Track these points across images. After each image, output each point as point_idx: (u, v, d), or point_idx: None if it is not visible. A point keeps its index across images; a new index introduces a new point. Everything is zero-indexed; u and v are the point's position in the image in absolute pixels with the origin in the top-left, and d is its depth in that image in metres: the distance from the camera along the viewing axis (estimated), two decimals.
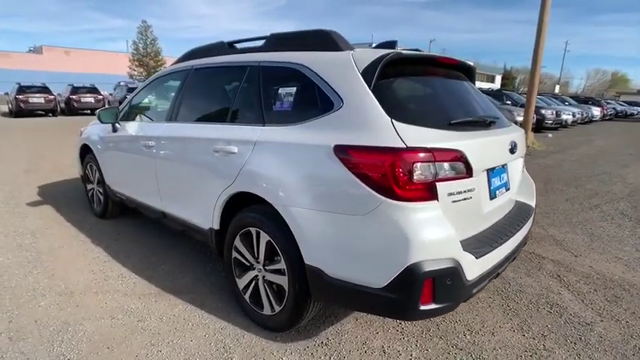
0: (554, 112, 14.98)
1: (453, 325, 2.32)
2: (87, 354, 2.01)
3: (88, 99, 18.64)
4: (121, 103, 19.15)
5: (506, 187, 2.23)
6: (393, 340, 2.18)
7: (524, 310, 2.52)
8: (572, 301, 2.65)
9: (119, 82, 34.48)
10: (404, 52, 1.96)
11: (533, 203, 2.55)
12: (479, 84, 61.57)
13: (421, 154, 1.61)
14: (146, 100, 3.40)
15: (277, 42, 2.32)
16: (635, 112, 32.69)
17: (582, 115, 18.76)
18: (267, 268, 2.13)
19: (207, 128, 2.45)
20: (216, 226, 2.40)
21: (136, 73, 36.08)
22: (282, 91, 2.11)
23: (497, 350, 2.11)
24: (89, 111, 19.47)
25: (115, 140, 3.46)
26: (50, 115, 17.99)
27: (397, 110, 1.74)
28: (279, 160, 1.95)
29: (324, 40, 2.07)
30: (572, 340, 2.22)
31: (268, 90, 2.19)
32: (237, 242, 2.28)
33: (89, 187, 4.20)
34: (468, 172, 1.76)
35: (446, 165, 1.67)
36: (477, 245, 1.81)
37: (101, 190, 3.94)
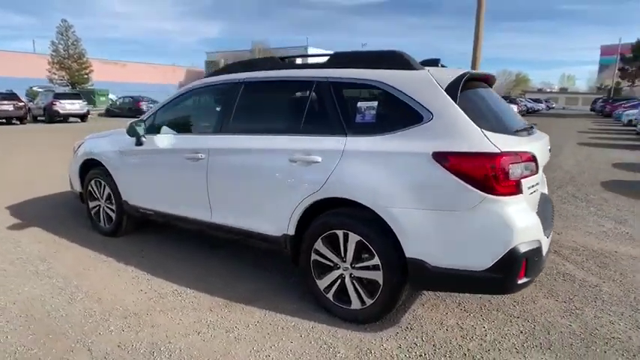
0: None
1: (501, 299, 2.72)
2: None
3: (6, 107, 16.53)
4: (46, 109, 17.41)
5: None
6: (463, 317, 2.51)
7: (546, 281, 3.02)
8: (576, 270, 3.22)
9: (31, 87, 30.79)
10: (473, 71, 2.30)
11: (546, 191, 3.06)
12: None
13: (513, 157, 1.95)
14: (179, 113, 3.35)
15: (343, 60, 2.52)
16: (540, 108, 37.65)
17: None
18: (355, 266, 2.34)
19: (278, 139, 2.57)
20: (292, 232, 2.53)
21: (56, 76, 32.64)
22: (362, 104, 2.32)
23: (545, 314, 2.55)
24: (5, 120, 17.32)
25: (141, 154, 3.34)
26: None
27: (479, 120, 2.07)
28: (374, 166, 2.17)
29: (398, 60, 2.32)
30: (591, 299, 2.74)
31: (345, 103, 2.39)
32: (319, 245, 2.44)
33: (93, 204, 3.95)
34: (537, 170, 2.14)
35: (527, 165, 2.04)
36: (542, 228, 2.21)
37: (112, 207, 3.75)
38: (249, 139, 2.73)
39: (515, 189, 1.97)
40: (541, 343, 2.24)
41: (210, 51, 60.10)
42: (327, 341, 2.26)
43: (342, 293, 2.43)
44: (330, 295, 2.47)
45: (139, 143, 3.32)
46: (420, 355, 2.14)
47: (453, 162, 1.98)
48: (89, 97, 29.84)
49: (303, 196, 2.41)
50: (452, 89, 2.11)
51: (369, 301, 2.32)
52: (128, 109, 23.99)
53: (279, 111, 2.82)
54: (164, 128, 3.32)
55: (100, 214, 3.92)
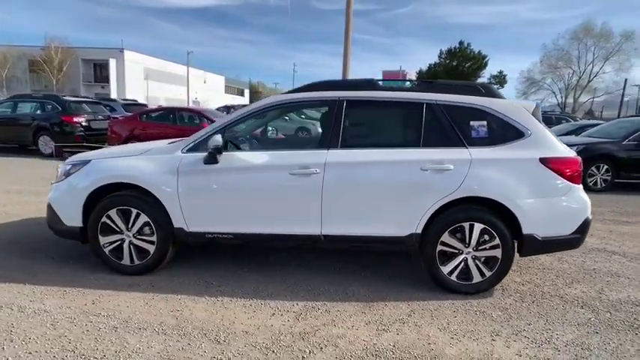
0: None
1: (521, 260, 3.85)
2: None
3: None
4: None
5: None
6: (520, 275, 3.49)
7: None
8: None
9: None
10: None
11: None
12: (231, 98, 65.70)
13: (580, 159, 3.04)
14: (260, 129, 3.19)
15: (442, 87, 3.15)
16: None
17: None
18: (478, 248, 3.00)
19: (405, 152, 2.98)
20: (420, 230, 2.99)
21: None
22: (474, 123, 3.02)
23: (553, 264, 3.80)
24: None
25: (217, 173, 3.03)
26: None
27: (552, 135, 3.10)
28: (498, 169, 2.91)
29: (489, 91, 3.14)
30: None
31: (458, 122, 3.02)
32: (445, 237, 2.99)
33: (110, 239, 3.19)
34: None
35: None
36: None
37: (151, 239, 3.16)
38: (371, 153, 3.01)
39: (581, 180, 3.07)
40: (572, 280, 3.44)
41: None
42: (477, 310, 2.86)
43: (462, 273, 3.05)
44: (453, 277, 3.05)
45: (212, 161, 3.03)
46: (533, 302, 3.01)
47: (553, 164, 2.93)
48: None
49: (438, 198, 2.92)
50: (535, 113, 3.07)
51: (488, 274, 3.02)
52: None
53: (395, 127, 3.20)
54: (248, 144, 3.15)
55: (123, 250, 3.22)
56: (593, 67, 39.83)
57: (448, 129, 3.03)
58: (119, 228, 3.20)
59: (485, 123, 3.04)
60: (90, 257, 3.45)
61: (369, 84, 3.21)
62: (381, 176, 3.00)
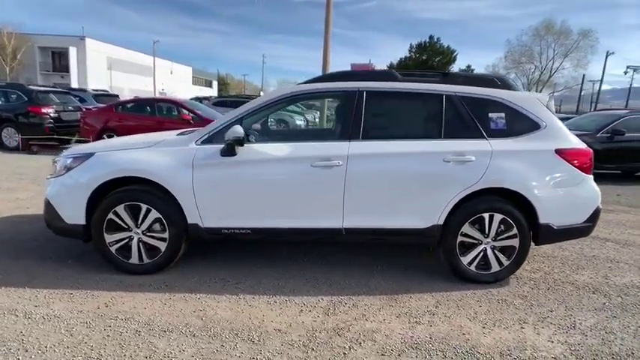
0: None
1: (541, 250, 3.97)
2: None
3: None
4: None
5: None
6: (530, 264, 3.59)
7: None
8: None
9: None
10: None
11: None
12: (199, 89, 63.85)
13: (592, 151, 3.13)
14: (277, 120, 3.06)
15: (459, 79, 3.14)
16: None
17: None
18: (497, 238, 3.05)
19: (426, 143, 2.96)
20: (442, 222, 3.00)
21: None
22: (492, 115, 3.03)
23: (555, 252, 3.94)
24: None
25: (235, 165, 2.89)
26: None
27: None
28: (517, 160, 2.95)
29: (506, 83, 3.17)
30: None
31: (477, 113, 3.03)
32: (466, 228, 3.01)
33: (116, 237, 2.99)
34: None
35: None
36: None
37: (162, 236, 2.99)
38: (393, 144, 2.97)
39: (592, 170, 3.17)
40: (577, 267, 3.58)
41: None
42: (498, 298, 2.91)
43: (481, 263, 3.09)
44: (472, 267, 3.09)
45: (230, 153, 2.89)
46: (548, 289, 3.10)
47: (568, 155, 3.00)
48: None
49: (460, 189, 2.93)
50: (549, 105, 3.14)
51: (506, 262, 3.08)
52: None
53: (415, 118, 3.16)
54: (268, 136, 3.03)
55: (131, 248, 3.03)
56: (553, 62, 41.84)
57: (468, 120, 3.04)
58: (127, 225, 3.00)
59: (503, 115, 3.07)
60: (90, 256, 3.25)
61: (388, 75, 3.16)
62: (403, 168, 2.97)
